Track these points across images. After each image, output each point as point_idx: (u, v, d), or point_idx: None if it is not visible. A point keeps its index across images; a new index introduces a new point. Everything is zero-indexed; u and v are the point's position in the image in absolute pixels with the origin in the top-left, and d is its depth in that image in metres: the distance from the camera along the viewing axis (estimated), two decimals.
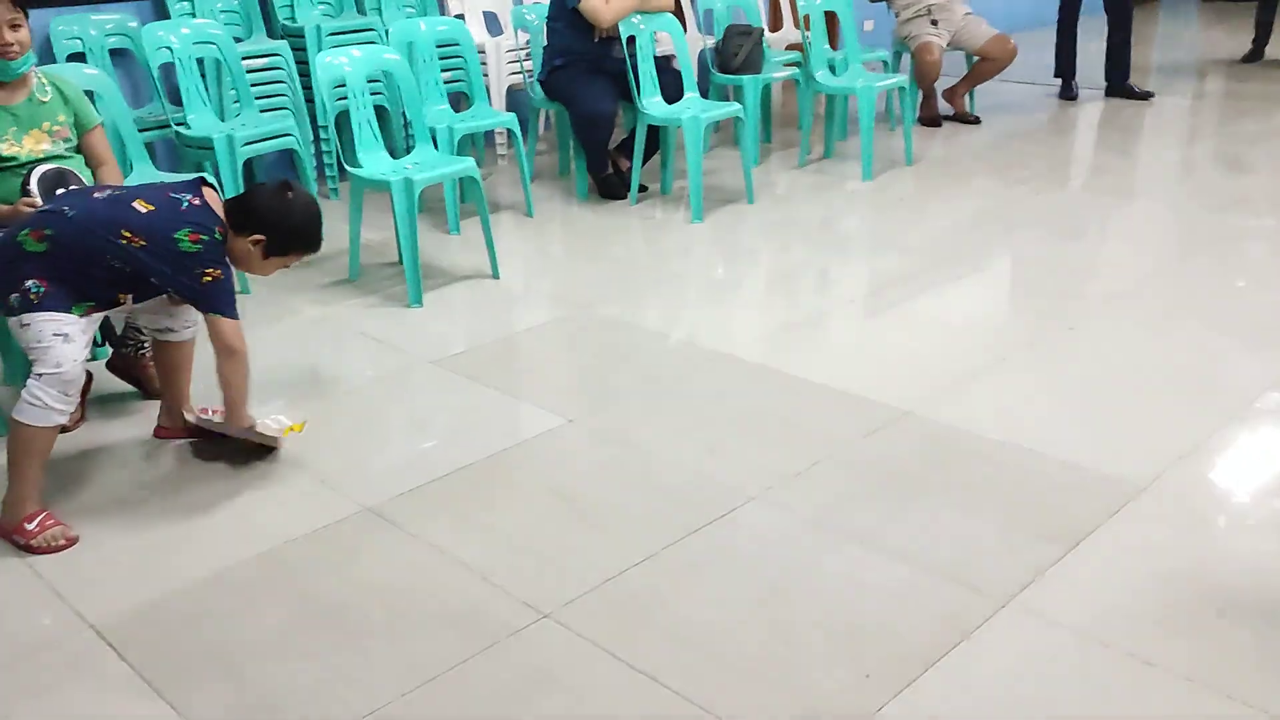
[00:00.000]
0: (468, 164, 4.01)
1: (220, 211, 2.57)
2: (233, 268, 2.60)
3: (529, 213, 4.80)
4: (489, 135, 5.75)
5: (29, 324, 2.40)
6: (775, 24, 6.84)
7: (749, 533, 2.46)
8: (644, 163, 4.97)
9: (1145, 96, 6.72)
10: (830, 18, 6.04)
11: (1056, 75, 6.90)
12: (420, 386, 3.22)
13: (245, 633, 2.15)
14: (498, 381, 3.22)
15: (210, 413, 2.91)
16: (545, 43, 5.00)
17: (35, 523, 2.43)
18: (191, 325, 2.83)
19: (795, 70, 5.73)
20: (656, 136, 4.99)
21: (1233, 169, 5.51)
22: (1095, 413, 2.96)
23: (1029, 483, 2.62)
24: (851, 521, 2.47)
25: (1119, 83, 6.77)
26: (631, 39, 4.79)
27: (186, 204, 2.52)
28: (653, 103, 4.81)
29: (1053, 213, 4.79)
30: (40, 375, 2.37)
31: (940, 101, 6.43)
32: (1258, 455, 2.76)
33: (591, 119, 4.80)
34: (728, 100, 5.54)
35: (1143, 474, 2.61)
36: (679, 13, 6.03)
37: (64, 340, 2.39)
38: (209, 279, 2.51)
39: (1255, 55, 7.74)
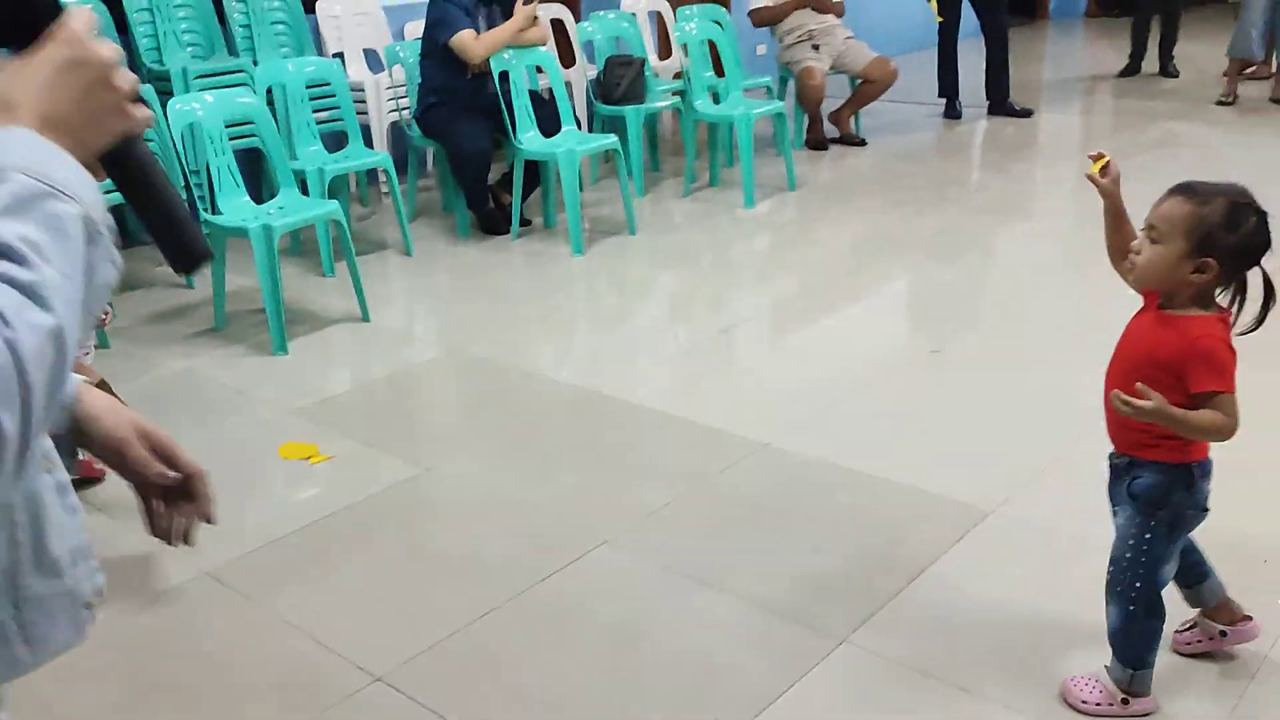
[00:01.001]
0: (331, 207, 3.95)
1: None
2: None
3: (408, 252, 4.74)
4: (372, 174, 5.68)
5: None
6: (664, 52, 6.88)
7: (599, 578, 2.43)
8: (525, 197, 4.95)
9: (1025, 114, 6.87)
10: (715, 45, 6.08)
11: (941, 95, 7.03)
12: (275, 438, 3.14)
13: (69, 715, 2.06)
14: (356, 430, 3.16)
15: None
16: (420, 80, 4.96)
17: None
18: (88, 350, 2.90)
19: (677, 99, 5.75)
20: (536, 170, 4.97)
21: None
22: (949, 437, 2.99)
23: (878, 513, 2.63)
24: (699, 562, 2.46)
25: (1000, 101, 6.91)
26: (504, 74, 4.77)
27: None
28: (528, 137, 4.79)
29: (931, 235, 4.86)
30: None
31: (827, 124, 6.50)
32: (1099, 476, 2.79)
33: (467, 156, 4.77)
34: (614, 131, 5.56)
35: (989, 499, 2.63)
36: (566, 44, 6.05)
37: None
38: None
39: (1132, 70, 7.96)
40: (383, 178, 5.66)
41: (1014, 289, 4.13)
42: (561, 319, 4.14)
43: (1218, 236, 1.69)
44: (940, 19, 6.75)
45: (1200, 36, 8.43)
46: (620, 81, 5.52)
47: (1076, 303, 3.90)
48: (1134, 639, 1.89)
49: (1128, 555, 1.86)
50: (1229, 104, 6.83)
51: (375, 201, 5.62)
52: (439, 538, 2.63)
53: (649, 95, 5.66)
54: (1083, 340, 3.59)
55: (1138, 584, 1.84)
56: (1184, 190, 1.75)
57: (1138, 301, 1.90)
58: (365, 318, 3.99)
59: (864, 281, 4.31)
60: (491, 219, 5.00)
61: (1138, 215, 1.89)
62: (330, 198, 4.34)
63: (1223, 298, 1.79)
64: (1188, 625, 2.06)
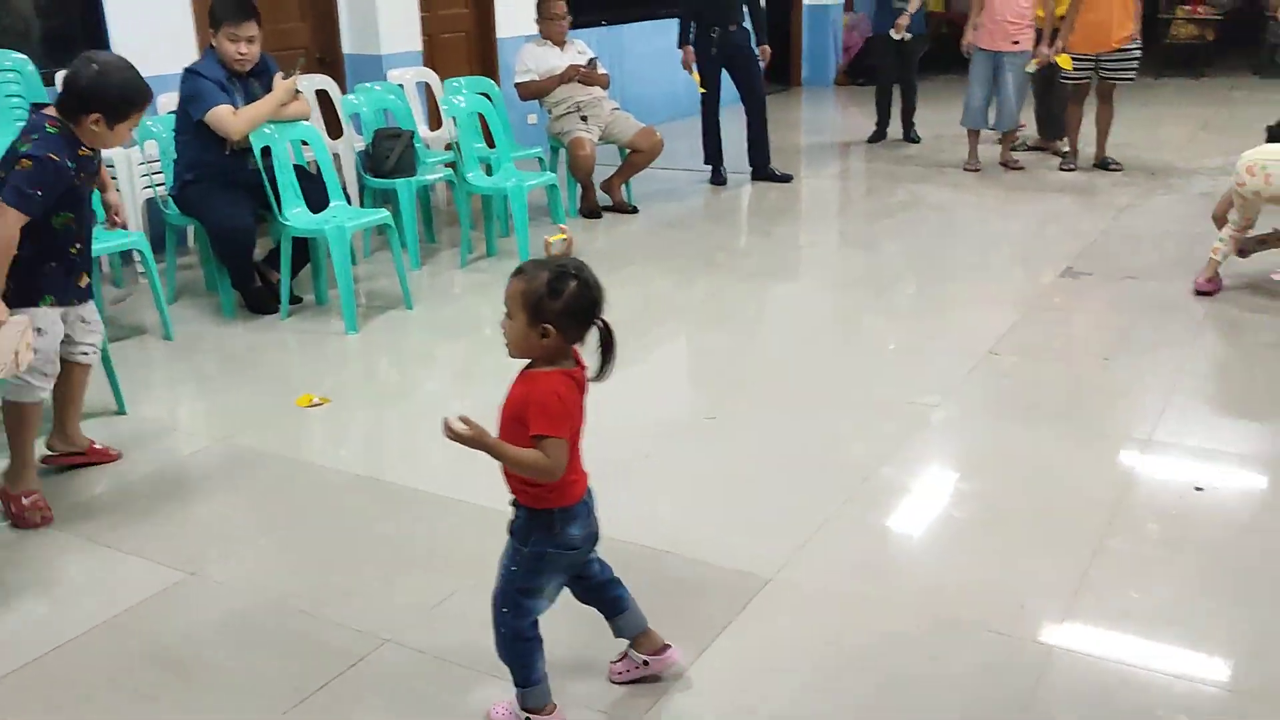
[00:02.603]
0: None
1: (54, 111, 2.92)
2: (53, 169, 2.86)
3: (168, 335, 4.49)
4: (126, 255, 5.36)
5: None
6: (435, 123, 6.85)
7: (376, 684, 2.34)
8: (294, 274, 4.79)
9: (785, 179, 7.23)
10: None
11: (706, 162, 7.30)
12: (11, 552, 2.88)
13: None
14: (109, 536, 2.94)
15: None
16: (175, 156, 4.74)
17: (30, 500, 2.98)
18: (90, 350, 3.26)
19: (449, 171, 5.73)
20: (305, 246, 4.83)
21: (855, 246, 6.01)
22: (726, 505, 3.06)
23: (662, 586, 2.65)
24: (479, 657, 2.40)
25: (761, 167, 7.25)
26: (266, 149, 4.62)
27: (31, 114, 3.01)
28: (295, 214, 4.65)
29: (701, 300, 5.01)
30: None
31: (599, 193, 6.63)
32: (870, 535, 2.94)
33: (228, 233, 4.58)
34: (386, 203, 5.48)
35: (767, 565, 2.71)
36: (333, 115, 5.93)
37: (38, 334, 2.89)
38: (19, 167, 2.83)
39: (879, 136, 8.52)
40: (138, 257, 5.37)
41: (782, 351, 4.30)
42: (336, 400, 4.01)
43: (545, 305, 1.92)
44: (703, 89, 7.03)
45: (936, 105, 9.12)
46: (389, 154, 5.46)
47: (841, 362, 4.10)
48: (512, 660, 2.10)
49: (501, 586, 2.07)
50: (975, 171, 7.36)
51: (131, 283, 5.30)
52: (203, 652, 2.46)
53: (420, 167, 5.62)
54: (846, 399, 3.79)
55: (505, 610, 2.06)
56: (517, 272, 1.97)
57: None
58: (121, 410, 3.74)
59: (639, 350, 4.38)
60: (259, 297, 4.81)
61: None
62: None
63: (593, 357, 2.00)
64: (619, 657, 2.30)
